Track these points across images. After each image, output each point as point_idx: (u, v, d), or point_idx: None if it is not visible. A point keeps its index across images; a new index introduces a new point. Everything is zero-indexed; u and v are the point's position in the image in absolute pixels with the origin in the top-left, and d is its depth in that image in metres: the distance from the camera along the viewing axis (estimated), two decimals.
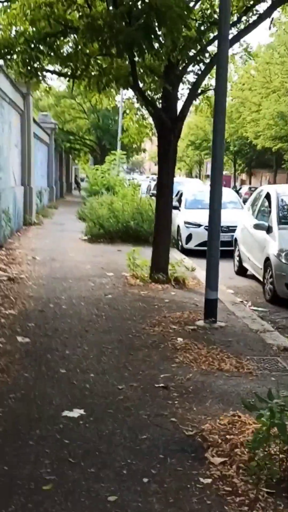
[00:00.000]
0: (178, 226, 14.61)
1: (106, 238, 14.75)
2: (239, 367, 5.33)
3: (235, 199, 15.93)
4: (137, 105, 11.20)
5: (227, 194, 16.19)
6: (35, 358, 5.30)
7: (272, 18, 8.80)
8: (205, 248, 14.20)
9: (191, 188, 17.14)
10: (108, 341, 5.94)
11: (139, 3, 6.88)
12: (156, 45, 7.53)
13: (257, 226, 9.53)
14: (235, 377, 5.06)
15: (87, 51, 8.28)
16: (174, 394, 4.53)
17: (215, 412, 4.17)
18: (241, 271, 11.26)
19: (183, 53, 7.72)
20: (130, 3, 6.77)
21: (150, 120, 11.28)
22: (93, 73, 8.53)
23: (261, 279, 9.55)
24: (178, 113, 9.01)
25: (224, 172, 66.44)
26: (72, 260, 11.43)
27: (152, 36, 6.66)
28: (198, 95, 8.99)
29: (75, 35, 7.91)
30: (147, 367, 5.17)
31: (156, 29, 6.82)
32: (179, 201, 15.80)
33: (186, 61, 7.96)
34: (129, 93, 38.28)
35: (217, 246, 6.79)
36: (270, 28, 8.37)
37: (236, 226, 13.77)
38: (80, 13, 6.53)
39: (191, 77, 9.46)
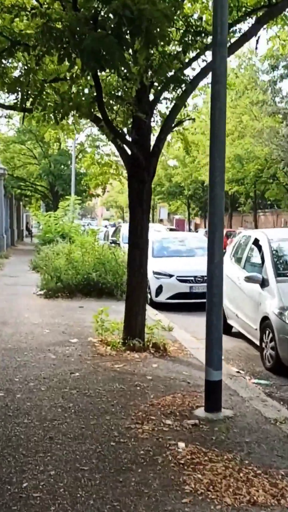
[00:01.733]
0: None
1: (65, 292, 13.04)
2: (276, 494, 3.69)
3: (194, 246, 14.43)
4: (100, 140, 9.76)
5: (198, 239, 14.83)
6: None
7: (258, 37, 7.56)
8: (178, 301, 12.75)
9: (158, 235, 15.66)
10: (84, 457, 4.20)
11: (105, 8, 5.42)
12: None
13: (249, 279, 8.02)
14: None
15: (41, 73, 6.81)
16: None
17: None
18: (225, 329, 9.68)
19: (159, 72, 6.29)
20: (96, 6, 5.31)
21: (113, 157, 9.89)
22: (48, 102, 7.02)
23: (256, 341, 8.02)
24: (151, 147, 7.57)
25: (178, 216, 66.14)
26: (27, 323, 9.64)
27: (124, 46, 5.19)
28: (175, 125, 7.57)
29: (25, 53, 6.41)
30: (147, 508, 3.46)
31: (129, 39, 5.37)
32: None
33: (163, 84, 6.53)
34: (81, 137, 37.07)
35: (219, 314, 5.20)
36: (256, 48, 7.01)
37: None
38: (33, 13, 5.01)
39: (163, 106, 8.08)
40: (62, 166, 33.94)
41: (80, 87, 6.76)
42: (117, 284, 13.04)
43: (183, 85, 6.24)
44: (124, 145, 7.53)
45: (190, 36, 6.26)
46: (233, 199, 48.30)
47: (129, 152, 7.62)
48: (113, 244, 17.97)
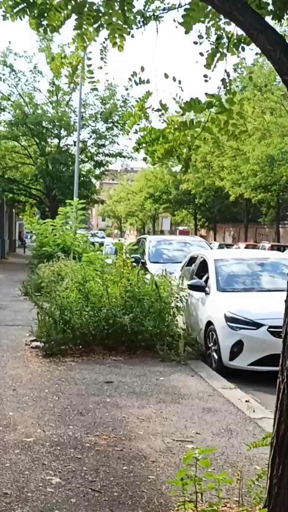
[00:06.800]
0: (210, 324, 7.92)
1: (77, 344, 8.05)
2: None
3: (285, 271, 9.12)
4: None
5: (283, 262, 9.66)
6: None
7: None
8: (270, 368, 7.30)
9: (219, 252, 10.47)
10: None
11: None
12: None
13: None
14: None
15: None
16: None
17: None
18: None
19: None
20: None
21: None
22: None
23: None
24: None
25: (183, 227, 61.13)
26: (11, 443, 4.62)
27: None
28: None
29: None
30: None
31: None
32: (199, 274, 9.18)
33: None
34: (84, 134, 31.76)
35: None
36: None
37: None
38: None
39: None
40: (62, 166, 28.81)
41: None
42: (158, 333, 8.04)
43: None
44: None
45: None
46: (247, 209, 43.37)
47: None
48: (134, 264, 12.77)
